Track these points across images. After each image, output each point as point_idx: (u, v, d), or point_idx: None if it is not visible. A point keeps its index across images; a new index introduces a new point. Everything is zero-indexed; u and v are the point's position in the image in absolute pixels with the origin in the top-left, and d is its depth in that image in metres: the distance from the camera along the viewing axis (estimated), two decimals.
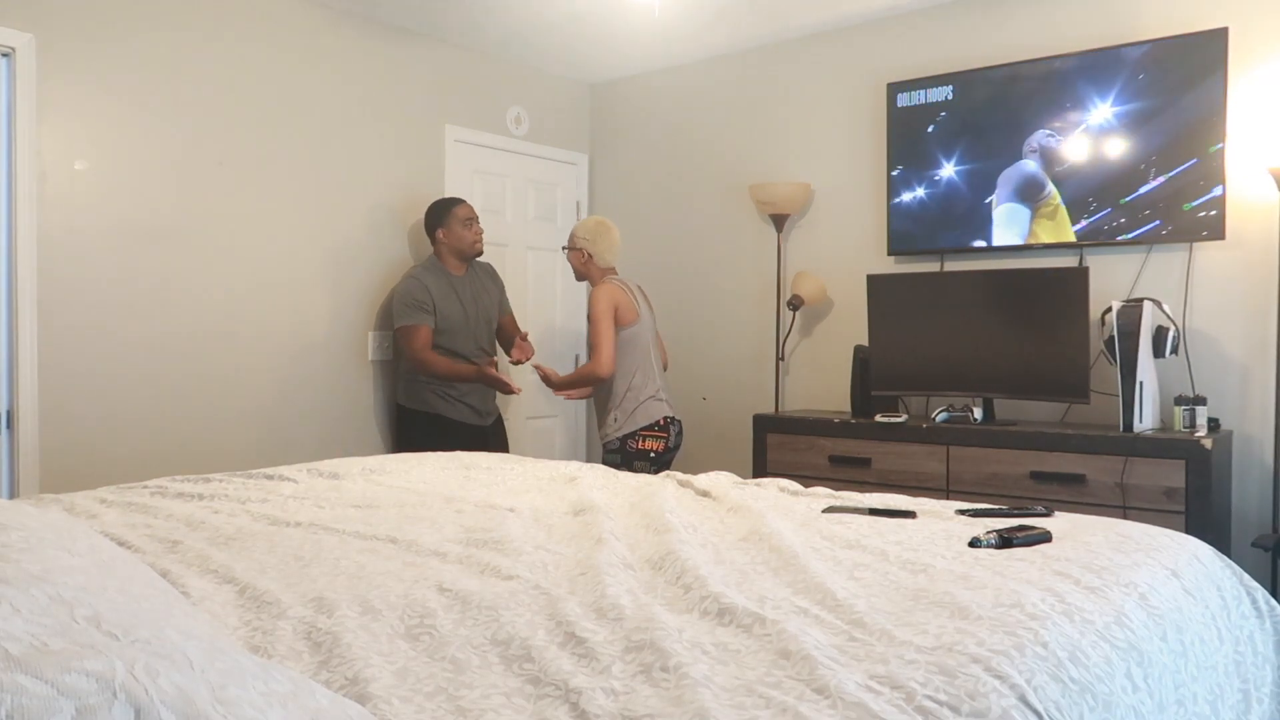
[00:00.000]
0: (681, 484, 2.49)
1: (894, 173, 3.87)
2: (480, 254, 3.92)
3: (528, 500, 2.27)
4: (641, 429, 3.54)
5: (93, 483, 3.07)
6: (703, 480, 2.48)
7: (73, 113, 3.13)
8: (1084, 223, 3.46)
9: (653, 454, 3.56)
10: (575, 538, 1.88)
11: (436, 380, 3.78)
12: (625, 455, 3.54)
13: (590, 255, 3.63)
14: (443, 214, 3.85)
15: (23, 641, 0.80)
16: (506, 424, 4.24)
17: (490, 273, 4.05)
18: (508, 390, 3.70)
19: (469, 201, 3.99)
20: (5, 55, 2.98)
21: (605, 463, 3.55)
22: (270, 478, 2.52)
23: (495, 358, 4.01)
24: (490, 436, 3.95)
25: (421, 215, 4.14)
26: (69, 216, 3.12)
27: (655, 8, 3.82)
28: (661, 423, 3.58)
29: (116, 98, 3.23)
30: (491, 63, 4.49)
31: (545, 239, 4.74)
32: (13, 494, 3.02)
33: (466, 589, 1.47)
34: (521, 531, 1.90)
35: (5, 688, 0.70)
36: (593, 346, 3.51)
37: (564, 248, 3.76)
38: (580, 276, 3.72)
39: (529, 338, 3.94)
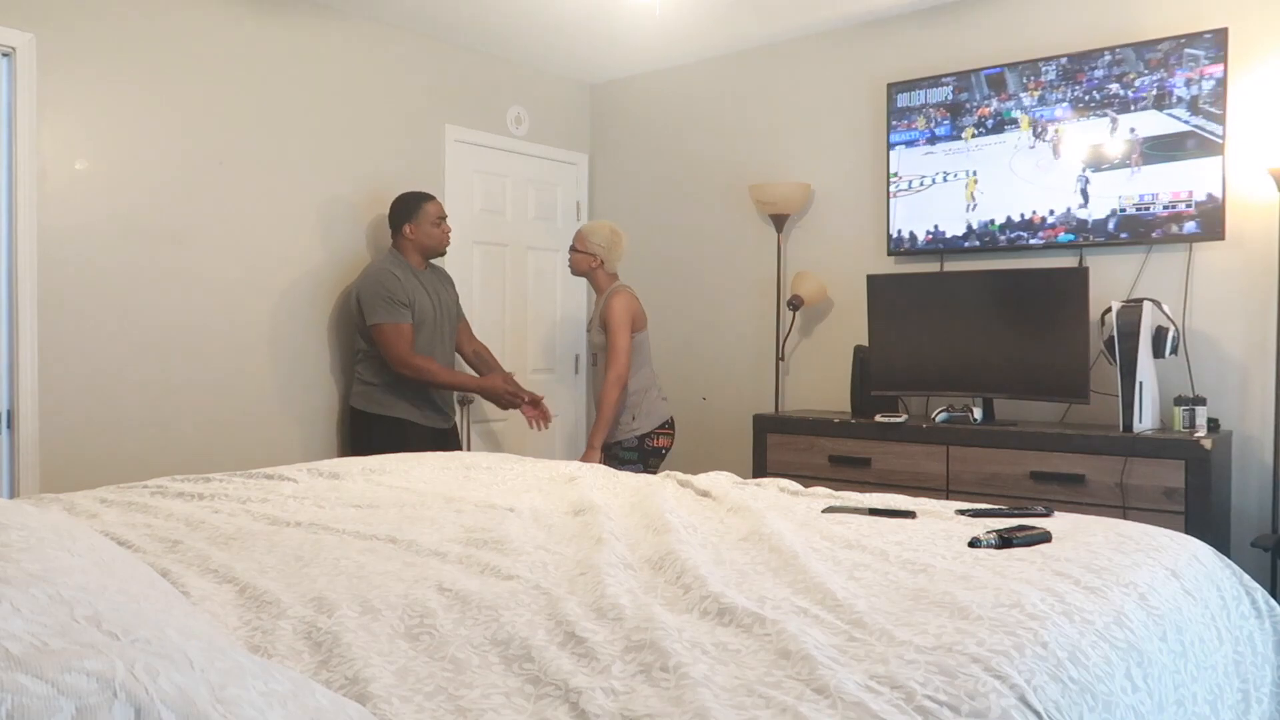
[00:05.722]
0: (681, 484, 2.49)
1: (893, 173, 3.87)
2: (445, 254, 3.82)
3: (528, 500, 2.26)
4: (656, 428, 3.71)
5: (93, 483, 3.07)
6: (703, 480, 2.48)
7: (73, 112, 3.13)
8: (1083, 222, 3.46)
9: (664, 450, 3.74)
10: (575, 538, 1.88)
11: (423, 384, 3.59)
12: (643, 453, 3.68)
13: (602, 262, 3.72)
14: (413, 209, 3.67)
15: (23, 641, 0.80)
16: (504, 424, 4.24)
17: (445, 276, 3.88)
18: (515, 404, 3.65)
19: (439, 200, 3.85)
20: (5, 55, 2.98)
21: (622, 459, 3.67)
22: (270, 477, 2.52)
23: (510, 373, 3.85)
24: (450, 439, 3.80)
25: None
26: (69, 216, 3.12)
27: (655, 8, 3.82)
28: (670, 421, 3.78)
29: (116, 97, 3.23)
30: (491, 63, 4.49)
31: (545, 239, 4.74)
32: (13, 494, 3.01)
33: (466, 589, 1.47)
34: (521, 531, 1.90)
35: (6, 687, 0.70)
36: (610, 358, 3.59)
37: (573, 249, 3.76)
38: (578, 274, 3.80)
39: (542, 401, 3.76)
